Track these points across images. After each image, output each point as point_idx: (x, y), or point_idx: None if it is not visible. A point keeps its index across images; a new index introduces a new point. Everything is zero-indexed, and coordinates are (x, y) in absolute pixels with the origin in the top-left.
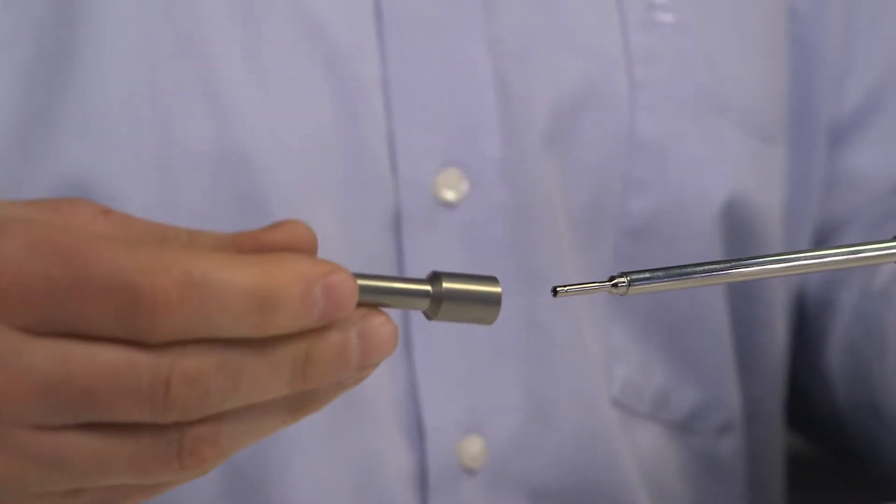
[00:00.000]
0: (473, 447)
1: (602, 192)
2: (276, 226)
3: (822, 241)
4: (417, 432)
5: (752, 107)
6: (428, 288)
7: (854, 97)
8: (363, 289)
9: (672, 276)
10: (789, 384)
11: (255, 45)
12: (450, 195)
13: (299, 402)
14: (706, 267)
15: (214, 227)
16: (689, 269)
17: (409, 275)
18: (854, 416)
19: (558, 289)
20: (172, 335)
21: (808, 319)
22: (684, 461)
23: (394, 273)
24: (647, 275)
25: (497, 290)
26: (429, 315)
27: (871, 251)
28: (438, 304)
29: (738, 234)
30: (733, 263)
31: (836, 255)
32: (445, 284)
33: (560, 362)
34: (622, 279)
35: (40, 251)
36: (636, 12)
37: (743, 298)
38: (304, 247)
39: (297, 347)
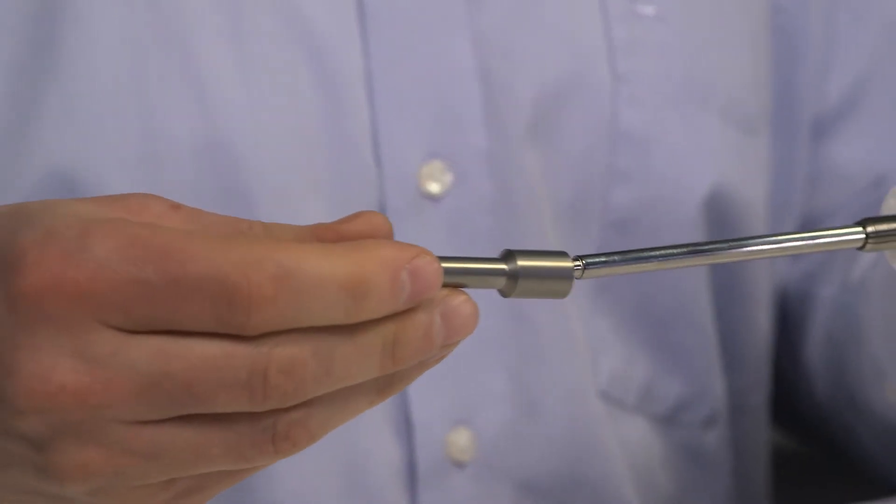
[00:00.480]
0: (462, 440)
1: (586, 183)
2: (355, 217)
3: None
4: (405, 426)
5: (735, 98)
6: (504, 266)
7: (837, 90)
8: (443, 271)
9: (628, 261)
10: (773, 379)
11: (239, 37)
12: (434, 187)
13: (386, 383)
14: (662, 252)
15: None
16: (646, 254)
17: None
18: (833, 409)
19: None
20: (268, 327)
21: (788, 313)
22: (670, 454)
23: None
24: (602, 259)
25: (568, 264)
26: (505, 293)
27: (830, 237)
28: (514, 281)
29: (722, 225)
30: (690, 249)
31: (793, 240)
32: (520, 262)
33: (547, 354)
34: (578, 263)
35: (132, 253)
36: (618, 4)
37: (727, 292)
38: (378, 233)
39: (385, 331)
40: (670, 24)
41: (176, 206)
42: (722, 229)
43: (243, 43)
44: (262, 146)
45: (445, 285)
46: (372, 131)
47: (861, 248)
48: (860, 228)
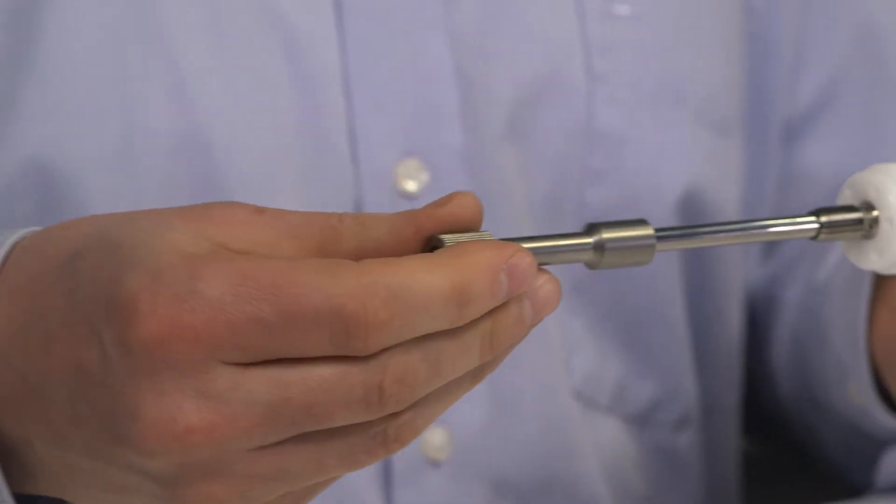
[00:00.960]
0: (437, 439)
1: (561, 182)
2: (448, 199)
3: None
4: None
5: (709, 100)
6: (590, 240)
7: (807, 93)
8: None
9: (699, 234)
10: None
11: (217, 32)
12: (410, 185)
13: (479, 369)
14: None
15: None
16: (713, 228)
17: None
18: (797, 410)
19: (440, 237)
20: (383, 346)
21: (755, 316)
22: (642, 454)
23: None
24: (677, 232)
25: (651, 231)
26: (592, 265)
27: (784, 225)
28: (601, 253)
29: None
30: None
31: (748, 228)
32: (605, 234)
33: (523, 353)
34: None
35: (244, 291)
36: (593, 4)
37: (699, 292)
38: (474, 216)
39: (483, 325)
40: (646, 25)
41: (259, 210)
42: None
43: (221, 39)
44: (239, 142)
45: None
46: (348, 129)
47: (814, 238)
48: (814, 218)
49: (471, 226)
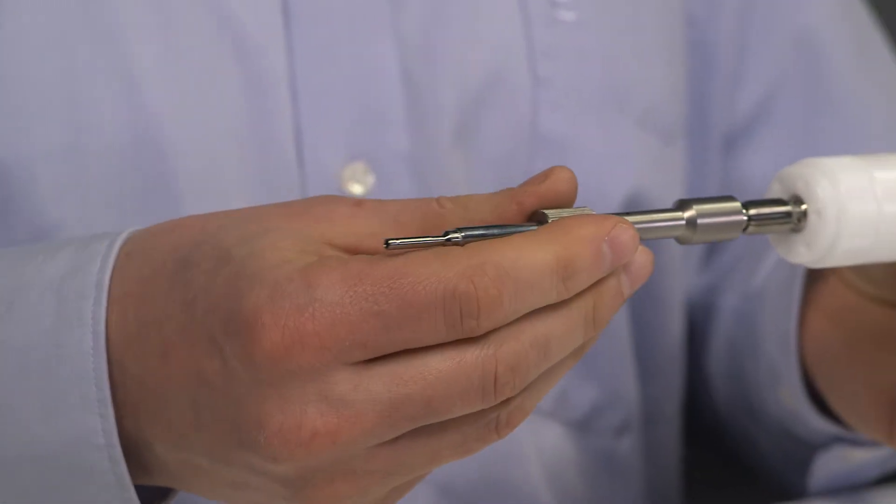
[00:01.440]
0: None
1: (506, 186)
2: (546, 175)
3: (715, 246)
4: None
5: (652, 106)
6: (682, 214)
7: (747, 102)
8: None
9: (507, 233)
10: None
11: (167, 33)
12: (356, 188)
13: (581, 347)
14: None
15: (123, 213)
16: (525, 227)
17: None
18: (732, 416)
19: (390, 241)
20: (495, 325)
21: (694, 325)
22: (584, 460)
23: None
24: (481, 231)
25: (738, 204)
26: (683, 240)
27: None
28: (693, 228)
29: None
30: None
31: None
32: (696, 207)
33: None
34: (456, 234)
35: (362, 290)
36: (539, 9)
37: (641, 301)
38: (572, 189)
39: (586, 302)
40: (590, 31)
41: (359, 203)
42: None
43: (172, 39)
44: (188, 141)
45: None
46: (295, 132)
47: (744, 231)
48: (743, 210)
49: (569, 198)
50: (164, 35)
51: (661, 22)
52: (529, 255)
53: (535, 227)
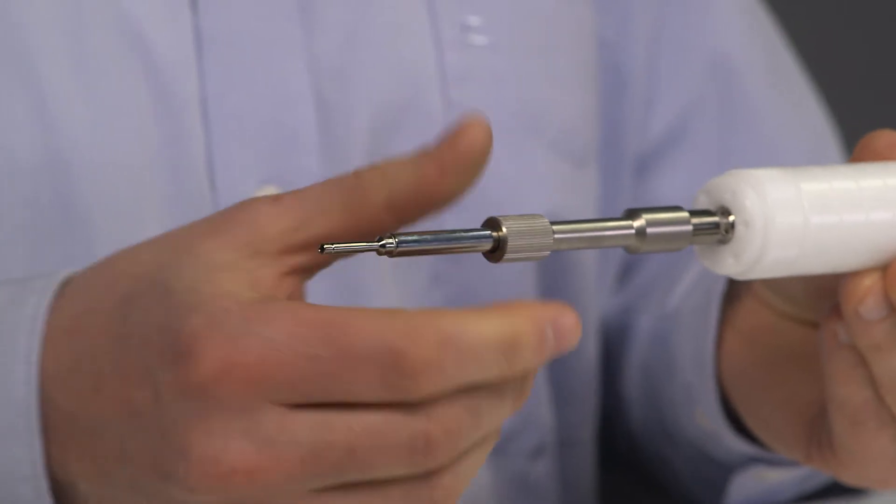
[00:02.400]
0: None
1: None
2: (459, 130)
3: (630, 267)
4: None
5: (565, 130)
6: (631, 224)
7: (660, 125)
8: (564, 240)
9: (441, 240)
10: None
11: (79, 55)
12: None
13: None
14: (473, 233)
15: (36, 238)
16: (458, 234)
17: None
18: (648, 439)
19: (325, 246)
20: (434, 392)
21: (609, 346)
22: (499, 483)
23: None
24: (415, 237)
25: (686, 214)
26: (632, 249)
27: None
28: (643, 237)
29: (552, 255)
30: (470, 236)
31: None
32: (646, 216)
33: None
34: (390, 240)
35: (298, 332)
36: (450, 33)
37: None
38: (487, 137)
39: (517, 376)
40: (502, 55)
41: (277, 199)
42: (551, 258)
43: (84, 61)
44: (101, 166)
45: (587, 247)
46: (207, 155)
47: None
48: (692, 221)
49: (487, 149)
50: (75, 57)
51: (575, 45)
52: (476, 325)
53: (473, 232)
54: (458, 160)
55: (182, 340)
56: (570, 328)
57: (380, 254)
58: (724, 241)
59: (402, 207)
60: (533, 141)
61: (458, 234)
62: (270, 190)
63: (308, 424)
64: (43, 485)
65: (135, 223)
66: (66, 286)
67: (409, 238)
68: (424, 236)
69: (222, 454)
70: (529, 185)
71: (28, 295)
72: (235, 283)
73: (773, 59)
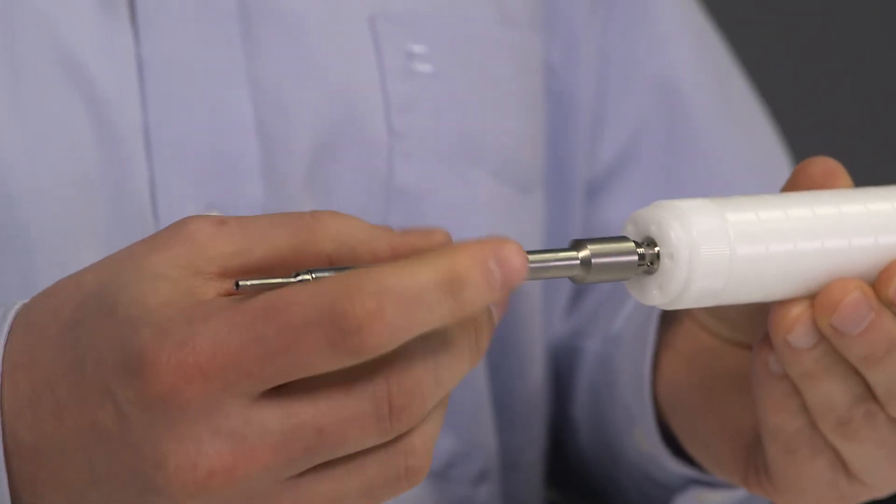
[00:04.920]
0: None
1: None
2: (426, 234)
3: (580, 291)
4: None
5: (509, 157)
6: (576, 254)
7: (608, 151)
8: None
9: None
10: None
11: (16, 82)
12: None
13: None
14: None
15: None
16: None
17: None
18: (597, 461)
19: (240, 283)
20: (383, 346)
21: (559, 369)
22: None
23: None
24: (332, 273)
25: (631, 244)
26: (577, 280)
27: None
28: (588, 268)
29: None
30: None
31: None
32: (591, 247)
33: None
34: (306, 276)
35: (239, 319)
36: (394, 61)
37: (500, 349)
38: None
39: (469, 329)
40: (446, 83)
41: (222, 221)
42: None
43: (21, 89)
44: (41, 194)
45: (532, 279)
46: (150, 183)
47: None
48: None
49: None
50: (13, 86)
51: (520, 72)
52: (411, 271)
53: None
54: (407, 255)
55: (134, 355)
56: (513, 258)
57: None
58: (650, 273)
59: (341, 262)
60: (476, 168)
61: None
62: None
63: (273, 412)
64: None
65: (75, 248)
66: (16, 319)
67: (326, 273)
68: (343, 271)
69: (198, 458)
70: (473, 212)
71: None
72: (177, 293)
73: (722, 83)
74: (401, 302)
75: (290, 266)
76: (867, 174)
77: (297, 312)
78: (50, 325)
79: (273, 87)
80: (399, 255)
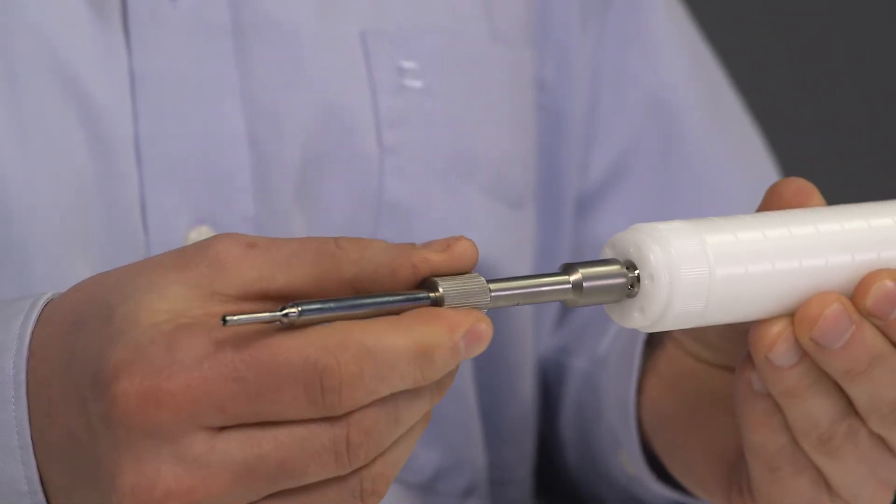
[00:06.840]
0: None
1: None
2: (447, 246)
3: (568, 308)
4: None
5: (500, 173)
6: (568, 278)
7: (598, 167)
8: (501, 297)
9: (343, 308)
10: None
11: (14, 96)
12: None
13: (430, 411)
14: (377, 300)
15: None
16: (360, 302)
17: None
18: (584, 478)
19: (227, 318)
20: (356, 404)
21: (547, 385)
22: None
23: None
24: (317, 305)
25: (621, 267)
26: (569, 303)
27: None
28: (579, 292)
29: None
30: (406, 297)
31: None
32: (582, 271)
33: None
34: (293, 309)
35: (222, 357)
36: (386, 76)
37: (490, 365)
38: (471, 264)
39: None
40: (438, 99)
41: (251, 244)
42: None
43: (18, 102)
44: (35, 205)
45: (524, 303)
46: (140, 196)
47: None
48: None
49: (467, 270)
50: (9, 97)
51: (511, 88)
52: (390, 338)
53: (409, 294)
54: (431, 272)
55: (106, 370)
56: (481, 336)
57: (282, 324)
58: (630, 295)
59: (364, 288)
60: (467, 184)
61: (388, 299)
62: (204, 230)
63: (237, 443)
64: (40, 499)
65: (70, 261)
66: (43, 310)
67: (312, 307)
68: (328, 304)
69: (155, 479)
70: (464, 228)
71: (14, 317)
72: (174, 313)
73: (714, 99)
74: (378, 367)
75: (310, 292)
76: (866, 177)
77: (281, 361)
78: (64, 320)
79: (265, 101)
80: (420, 275)
